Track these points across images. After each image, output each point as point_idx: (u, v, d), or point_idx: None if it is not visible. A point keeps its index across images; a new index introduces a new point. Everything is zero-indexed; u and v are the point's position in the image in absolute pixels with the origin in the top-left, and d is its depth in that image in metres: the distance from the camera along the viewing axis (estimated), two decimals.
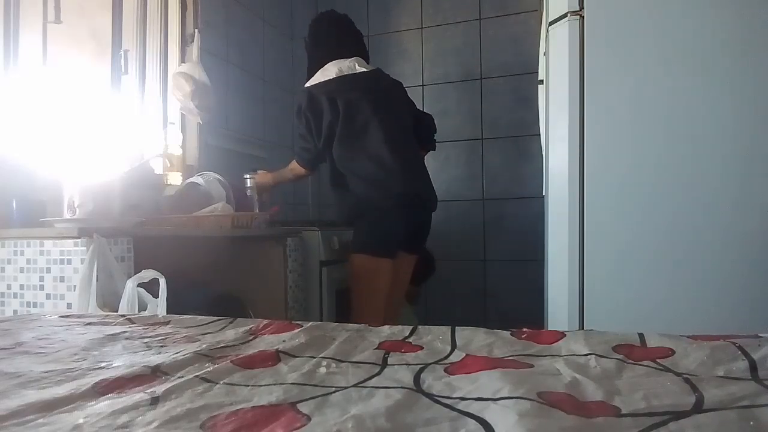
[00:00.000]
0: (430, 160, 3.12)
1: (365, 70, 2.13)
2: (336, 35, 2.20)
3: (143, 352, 0.73)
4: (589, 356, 0.65)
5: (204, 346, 0.75)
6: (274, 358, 0.68)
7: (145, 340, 0.81)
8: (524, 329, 0.79)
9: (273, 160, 3.05)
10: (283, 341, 0.77)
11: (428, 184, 2.21)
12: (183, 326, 0.92)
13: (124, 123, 2.19)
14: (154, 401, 0.52)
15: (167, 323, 0.95)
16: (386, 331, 0.82)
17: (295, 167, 2.27)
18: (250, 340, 0.81)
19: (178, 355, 0.69)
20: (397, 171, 2.03)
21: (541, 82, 2.05)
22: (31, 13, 1.84)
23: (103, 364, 0.67)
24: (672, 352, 0.66)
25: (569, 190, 1.42)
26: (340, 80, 2.08)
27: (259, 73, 3.03)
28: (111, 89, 2.14)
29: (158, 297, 1.30)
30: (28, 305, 1.40)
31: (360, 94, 2.07)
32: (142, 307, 1.29)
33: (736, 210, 1.31)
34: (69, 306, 1.35)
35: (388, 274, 2.03)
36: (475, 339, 0.76)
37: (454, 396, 0.52)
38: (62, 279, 1.36)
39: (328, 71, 2.09)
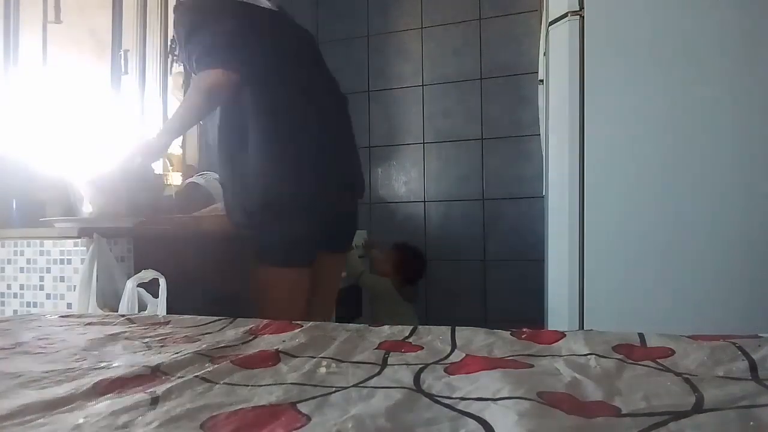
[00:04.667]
0: (431, 160, 3.15)
1: (273, 8, 1.58)
2: None
3: (143, 352, 0.73)
4: (589, 356, 0.65)
5: (204, 346, 0.75)
6: (274, 358, 0.68)
7: (145, 340, 0.81)
8: (524, 329, 0.79)
9: None
10: (283, 341, 0.77)
11: (355, 166, 1.70)
12: (183, 326, 0.92)
13: (124, 123, 2.19)
14: (154, 401, 0.52)
15: (167, 323, 0.95)
16: (386, 331, 0.82)
17: (206, 81, 1.38)
18: (250, 340, 0.81)
19: (178, 355, 0.69)
20: (326, 151, 1.55)
21: (541, 82, 2.05)
22: (31, 13, 1.84)
23: (103, 364, 0.67)
24: (672, 352, 0.65)
25: (569, 190, 1.42)
26: (260, 10, 1.52)
27: None
28: (111, 89, 2.14)
29: (158, 297, 1.30)
30: (28, 305, 1.40)
31: (279, 37, 1.55)
32: (142, 307, 1.29)
33: (736, 210, 1.31)
34: (69, 306, 1.35)
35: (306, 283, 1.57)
36: (475, 339, 0.76)
37: (454, 396, 0.52)
38: (62, 279, 1.36)
39: None
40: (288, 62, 1.55)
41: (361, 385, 0.57)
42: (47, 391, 0.56)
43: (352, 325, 0.86)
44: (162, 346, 0.77)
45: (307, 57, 1.65)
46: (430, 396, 0.53)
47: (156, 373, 0.62)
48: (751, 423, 0.43)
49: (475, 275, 3.03)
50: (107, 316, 1.06)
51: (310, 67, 1.64)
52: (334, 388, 0.55)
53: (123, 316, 1.05)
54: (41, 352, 0.73)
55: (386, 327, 0.85)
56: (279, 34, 1.56)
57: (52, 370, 0.63)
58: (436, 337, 0.78)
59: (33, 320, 0.98)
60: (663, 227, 1.36)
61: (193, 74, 1.46)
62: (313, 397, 0.53)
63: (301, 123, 1.51)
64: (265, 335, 0.83)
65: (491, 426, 0.44)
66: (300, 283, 1.56)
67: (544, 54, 1.72)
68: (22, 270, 1.41)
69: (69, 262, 1.36)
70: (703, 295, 1.33)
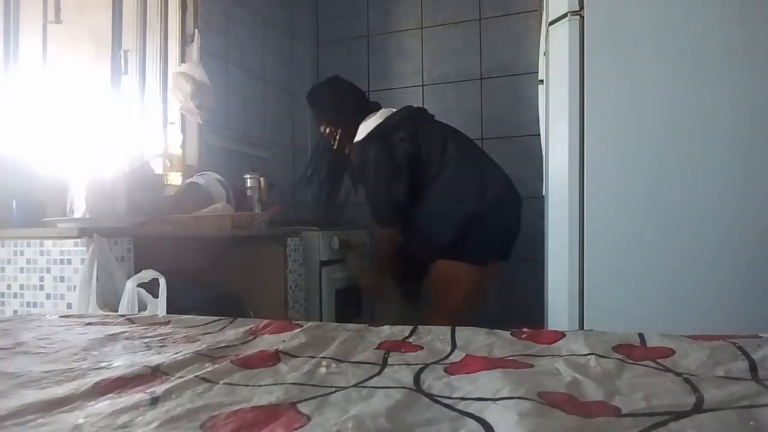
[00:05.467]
0: None
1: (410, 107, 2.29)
2: (354, 98, 2.27)
3: (143, 352, 0.73)
4: (589, 356, 0.65)
5: (204, 346, 0.75)
6: (274, 358, 0.68)
7: (145, 340, 0.81)
8: (524, 329, 0.79)
9: (273, 160, 3.05)
10: (283, 341, 0.77)
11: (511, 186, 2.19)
12: (183, 326, 0.92)
13: (124, 123, 2.19)
14: (154, 401, 0.52)
15: (167, 323, 0.95)
16: (386, 331, 0.82)
17: (384, 236, 2.17)
18: (250, 340, 0.81)
19: (178, 355, 0.69)
20: (482, 178, 2.06)
21: (541, 82, 2.05)
22: (31, 13, 1.84)
23: (103, 364, 0.67)
24: (672, 352, 0.66)
25: (569, 190, 1.42)
26: (393, 116, 2.14)
27: (259, 73, 3.03)
28: (111, 89, 2.14)
29: (158, 297, 1.30)
30: (28, 305, 1.40)
31: (419, 123, 2.17)
32: (142, 307, 1.29)
33: (736, 210, 1.31)
34: (69, 306, 1.35)
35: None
36: (475, 339, 0.76)
37: (454, 396, 0.52)
38: (62, 279, 1.36)
39: (372, 122, 2.12)
40: (441, 138, 2.12)
41: (361, 385, 0.57)
42: (47, 391, 0.56)
43: (352, 325, 0.86)
44: (162, 346, 0.77)
45: (446, 128, 2.23)
46: (430, 396, 0.53)
47: (156, 373, 0.62)
48: (751, 423, 0.43)
49: None
50: (107, 316, 1.06)
51: (453, 137, 2.18)
52: (334, 388, 0.55)
53: (123, 316, 1.05)
54: (41, 352, 0.73)
55: (386, 327, 0.85)
56: (427, 123, 2.21)
57: (52, 370, 0.63)
58: (436, 337, 0.78)
59: (33, 320, 0.98)
60: (663, 227, 1.36)
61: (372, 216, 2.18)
62: (313, 397, 0.53)
63: (472, 173, 2.08)
64: (265, 335, 0.83)
65: (491, 426, 0.44)
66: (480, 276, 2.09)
67: (544, 54, 1.72)
68: (22, 270, 1.41)
69: (69, 262, 1.36)
70: (703, 295, 1.33)
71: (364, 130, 2.13)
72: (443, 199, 2.04)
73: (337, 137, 2.23)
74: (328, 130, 2.26)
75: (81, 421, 0.47)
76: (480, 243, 2.04)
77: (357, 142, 2.13)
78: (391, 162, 2.06)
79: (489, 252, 2.08)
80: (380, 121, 2.12)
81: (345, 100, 2.25)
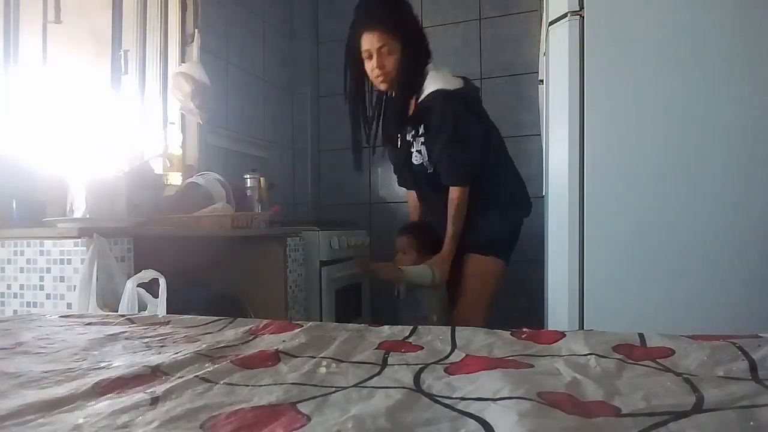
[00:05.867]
0: None
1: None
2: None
3: (143, 352, 0.73)
4: (589, 356, 0.65)
5: (204, 346, 0.75)
6: (274, 358, 0.68)
7: (145, 340, 0.81)
8: (524, 329, 0.79)
9: (273, 160, 3.05)
10: (283, 341, 0.77)
11: None
12: (183, 326, 0.92)
13: (124, 123, 2.19)
14: (154, 401, 0.52)
15: (167, 323, 0.95)
16: (386, 331, 0.82)
17: (461, 196, 1.93)
18: (250, 340, 0.81)
19: (178, 355, 0.69)
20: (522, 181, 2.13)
21: (541, 82, 2.05)
22: (31, 13, 1.84)
23: (103, 364, 0.67)
24: (672, 352, 0.66)
25: (569, 190, 1.42)
26: (471, 86, 2.14)
27: (259, 73, 3.03)
28: (111, 89, 2.14)
29: (158, 297, 1.30)
30: (28, 305, 1.40)
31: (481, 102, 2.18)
32: (142, 307, 1.29)
33: (736, 210, 1.31)
34: (69, 306, 1.35)
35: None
36: (475, 339, 0.76)
37: (454, 396, 0.52)
38: (62, 279, 1.36)
39: (450, 79, 2.00)
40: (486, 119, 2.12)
41: (361, 385, 0.57)
42: (47, 391, 0.56)
43: (352, 325, 0.86)
44: (162, 346, 0.77)
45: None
46: (430, 396, 0.53)
47: (156, 373, 0.62)
48: (751, 423, 0.43)
49: None
50: (107, 316, 1.06)
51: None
52: (334, 388, 0.55)
53: (123, 316, 1.05)
54: (41, 352, 0.73)
55: (386, 327, 0.85)
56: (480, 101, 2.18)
57: (52, 370, 0.63)
58: (436, 337, 0.78)
59: (33, 320, 0.98)
60: (663, 227, 1.36)
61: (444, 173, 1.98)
62: (313, 397, 0.53)
63: (518, 174, 2.14)
64: (265, 335, 0.83)
65: (491, 426, 0.44)
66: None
67: (544, 54, 1.72)
68: (22, 270, 1.41)
69: (69, 262, 1.36)
70: (704, 295, 1.33)
71: (443, 81, 1.93)
72: (500, 194, 2.03)
73: (394, 59, 1.94)
74: (384, 46, 1.90)
75: (81, 421, 0.47)
76: (515, 243, 2.10)
77: (441, 90, 1.90)
78: (482, 123, 2.02)
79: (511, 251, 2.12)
80: (463, 83, 2.02)
81: (417, 21, 2.10)
